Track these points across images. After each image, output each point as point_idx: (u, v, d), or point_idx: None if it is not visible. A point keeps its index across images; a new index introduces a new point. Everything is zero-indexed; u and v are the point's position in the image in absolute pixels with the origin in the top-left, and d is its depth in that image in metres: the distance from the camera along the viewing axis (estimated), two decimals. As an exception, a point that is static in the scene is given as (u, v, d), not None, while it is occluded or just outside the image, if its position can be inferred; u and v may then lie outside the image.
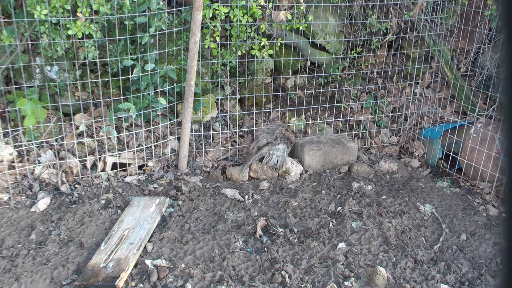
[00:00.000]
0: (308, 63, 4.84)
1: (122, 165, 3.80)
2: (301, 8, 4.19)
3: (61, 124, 3.67)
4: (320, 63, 4.85)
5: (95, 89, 3.81)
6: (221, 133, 4.28)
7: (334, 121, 4.65)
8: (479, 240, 3.07)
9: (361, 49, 4.79)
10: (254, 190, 3.70)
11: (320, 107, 4.72)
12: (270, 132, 3.93)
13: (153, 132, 3.95)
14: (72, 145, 3.67)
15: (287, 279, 2.60)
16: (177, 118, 4.03)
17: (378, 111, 4.73)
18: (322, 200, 3.57)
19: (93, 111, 3.80)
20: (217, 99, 4.42)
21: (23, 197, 3.37)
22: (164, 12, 3.52)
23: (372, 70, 4.82)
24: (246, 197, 3.58)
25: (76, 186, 3.58)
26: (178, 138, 4.00)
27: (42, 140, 3.62)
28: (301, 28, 4.34)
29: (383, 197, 3.63)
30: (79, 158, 3.64)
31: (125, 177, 3.79)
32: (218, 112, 4.41)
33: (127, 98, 3.71)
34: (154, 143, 3.92)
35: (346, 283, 2.63)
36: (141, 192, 3.58)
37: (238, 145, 4.24)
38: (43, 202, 3.31)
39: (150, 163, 3.90)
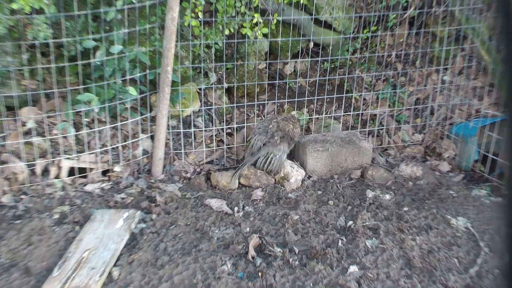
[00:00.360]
0: (311, 45, 4.81)
1: (82, 170, 3.77)
2: (303, -24, 4.17)
3: (2, 120, 3.60)
4: (325, 44, 4.83)
5: (47, 77, 3.76)
6: (205, 130, 4.28)
7: (343, 115, 4.63)
8: (526, 262, 3.01)
9: (375, 27, 4.77)
10: (245, 200, 3.69)
11: (326, 99, 4.68)
12: (262, 131, 3.92)
13: (121, 129, 3.93)
14: (17, 145, 3.60)
15: (286, 312, 2.57)
16: (150, 112, 4.03)
17: (397, 103, 4.71)
18: (329, 212, 3.54)
19: (45, 103, 3.75)
20: (200, 89, 4.40)
21: (-48, 211, 3.29)
22: (134, -19, 3.58)
23: (389, 53, 4.81)
24: (236, 209, 3.56)
25: (22, 196, 3.52)
26: (152, 137, 4.00)
27: (-22, 140, 3.54)
28: (302, 1, 4.31)
29: (405, 208, 3.60)
30: (26, 162, 3.58)
31: (85, 185, 3.75)
32: (201, 104, 4.38)
33: (88, 88, 3.67)
34: (121, 143, 3.90)
35: (359, 316, 2.61)
36: (105, 203, 3.55)
37: (226, 145, 4.22)
38: (-21, 217, 3.21)
39: (117, 168, 3.89)
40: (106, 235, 3.12)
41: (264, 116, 4.50)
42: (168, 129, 4.04)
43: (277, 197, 3.77)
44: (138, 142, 4.00)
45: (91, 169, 3.80)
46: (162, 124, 3.82)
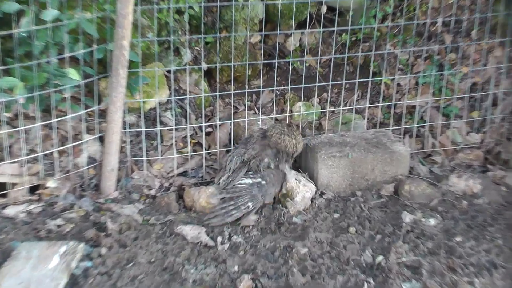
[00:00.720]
0: (324, 9, 4.81)
1: (0, 186, 3.72)
2: None
3: None
4: (344, 8, 4.80)
5: None
6: (176, 129, 4.24)
7: (369, 107, 4.60)
8: None
9: (414, -16, 4.75)
10: (232, 227, 3.69)
11: (345, 84, 4.64)
12: (241, 143, 3.96)
13: (57, 128, 3.89)
14: None
15: None
16: (99, 104, 4.00)
17: (445, 90, 4.63)
18: (349, 244, 3.53)
19: None
20: (169, 72, 4.36)
21: None
22: None
23: (434, 19, 4.75)
24: (219, 239, 3.55)
25: None
26: (101, 139, 3.99)
27: None
28: None
29: (457, 238, 3.57)
30: None
31: (4, 207, 3.69)
32: (171, 93, 4.35)
33: (9, 70, 3.61)
34: (58, 147, 3.86)
35: None
36: (34, 233, 3.50)
37: (205, 149, 4.21)
38: None
39: (51, 183, 3.85)
40: (34, 278, 3.04)
41: (258, 110, 4.50)
42: (124, 128, 4.01)
43: (277, 223, 3.75)
44: (82, 146, 3.95)
45: (13, 185, 3.75)
46: (115, 120, 3.80)
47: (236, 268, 3.30)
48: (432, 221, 3.77)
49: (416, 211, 3.87)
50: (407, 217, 3.80)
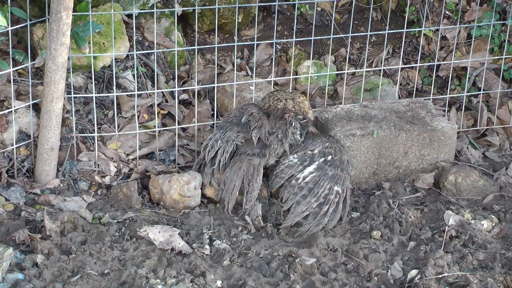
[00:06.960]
0: None
1: None
2: None
3: None
4: None
5: None
6: (139, 95, 4.26)
7: (402, 69, 4.62)
8: None
9: None
10: (215, 228, 3.75)
11: (370, 37, 4.70)
12: (234, 123, 3.99)
13: None
14: None
15: None
16: (33, 60, 4.00)
17: (509, 47, 4.66)
18: (373, 253, 3.56)
19: None
20: (130, 17, 4.38)
21: None
22: None
23: None
24: (197, 244, 3.59)
25: None
26: (37, 107, 3.99)
27: None
28: None
29: None
30: None
31: None
32: (132, 46, 4.38)
33: None
34: None
35: None
36: None
37: (178, 123, 4.21)
38: None
39: None
40: None
41: (250, 70, 4.50)
42: (68, 93, 4.02)
43: (275, 223, 3.81)
44: (10, 116, 3.99)
45: None
46: (55, 82, 3.79)
47: (219, 283, 3.30)
48: (485, 224, 3.81)
49: (464, 209, 3.91)
50: (451, 218, 3.82)
